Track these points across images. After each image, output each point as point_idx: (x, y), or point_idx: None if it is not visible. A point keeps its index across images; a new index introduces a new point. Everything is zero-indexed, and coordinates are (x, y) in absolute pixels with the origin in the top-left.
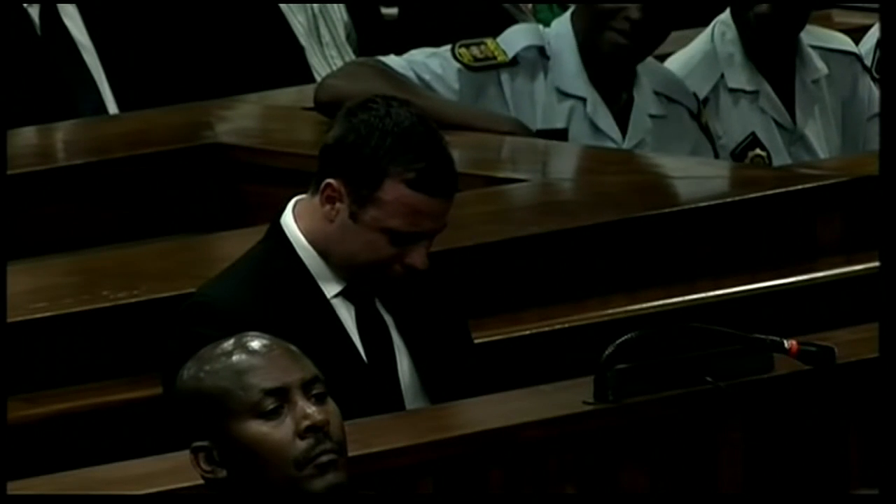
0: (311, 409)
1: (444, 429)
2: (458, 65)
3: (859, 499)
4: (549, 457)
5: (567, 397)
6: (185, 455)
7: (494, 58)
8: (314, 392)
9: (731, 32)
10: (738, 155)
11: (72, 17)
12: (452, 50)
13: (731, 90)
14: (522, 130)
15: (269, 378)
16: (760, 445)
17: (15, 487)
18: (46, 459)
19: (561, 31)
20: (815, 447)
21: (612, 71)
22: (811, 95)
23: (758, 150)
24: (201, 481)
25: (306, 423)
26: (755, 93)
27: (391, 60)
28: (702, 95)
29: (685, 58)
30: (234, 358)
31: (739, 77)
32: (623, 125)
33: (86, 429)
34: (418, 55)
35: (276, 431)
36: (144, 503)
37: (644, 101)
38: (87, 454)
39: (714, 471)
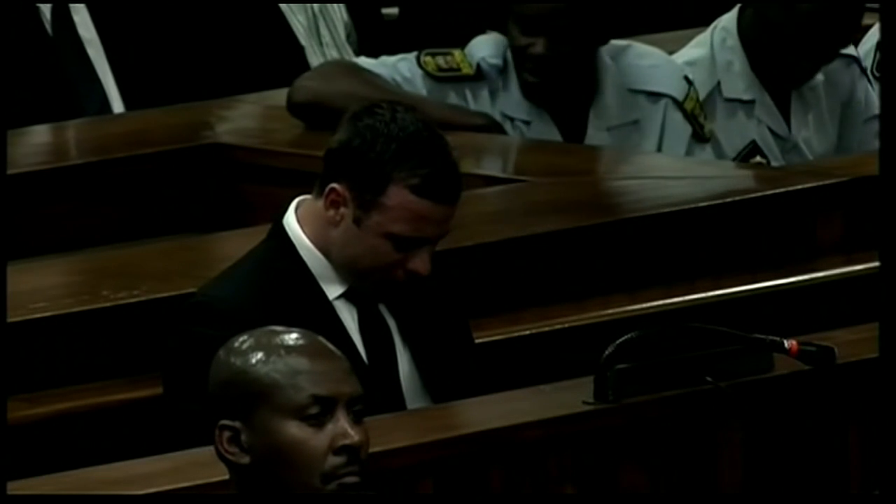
0: (351, 429)
1: (444, 429)
2: (421, 71)
3: (859, 499)
4: (549, 457)
5: (567, 397)
6: (185, 455)
7: (459, 69)
8: (355, 409)
9: (732, 40)
10: (737, 162)
11: (80, 15)
12: (417, 57)
13: (727, 99)
14: (494, 124)
15: (322, 385)
16: (760, 445)
17: (15, 487)
18: (46, 459)
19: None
20: (815, 447)
21: (557, 89)
22: (806, 102)
23: (758, 158)
24: (201, 481)
25: (344, 441)
26: (751, 102)
27: (363, 62)
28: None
29: (680, 63)
30: (294, 354)
31: (736, 86)
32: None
33: (86, 429)
34: (388, 59)
35: (313, 440)
36: (144, 503)
37: (602, 120)
38: (87, 454)
39: (714, 471)
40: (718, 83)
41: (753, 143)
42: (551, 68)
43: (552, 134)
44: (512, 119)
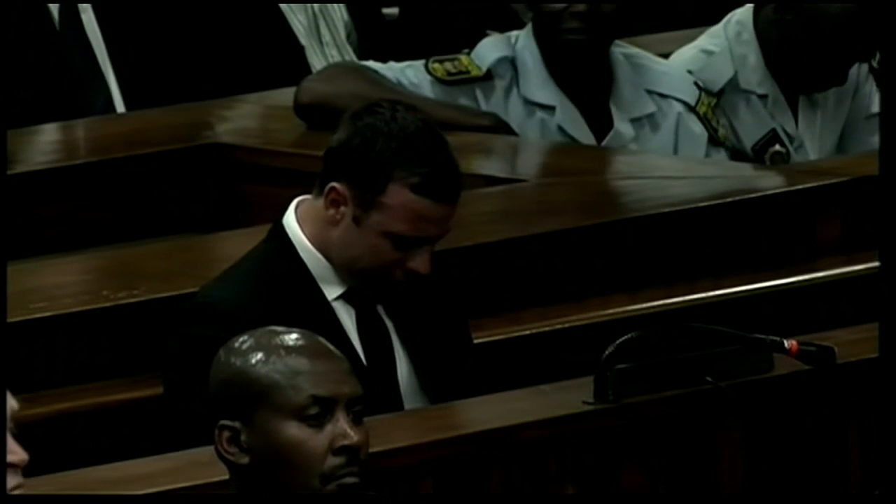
0: (351, 430)
1: (444, 429)
2: (430, 78)
3: (859, 499)
4: (549, 457)
5: (567, 397)
6: (185, 455)
7: (468, 72)
8: (354, 410)
9: (748, 34)
10: (758, 150)
11: (88, 14)
12: (426, 64)
13: (742, 90)
14: (501, 125)
15: (322, 386)
16: (760, 445)
17: None
18: (46, 459)
19: (526, 42)
20: (815, 447)
21: (582, 74)
22: (814, 102)
23: (777, 147)
24: (201, 481)
25: (344, 442)
26: (765, 97)
27: (370, 64)
28: (716, 89)
29: (694, 52)
30: (294, 355)
31: (750, 79)
32: (601, 132)
33: (86, 429)
34: (395, 64)
35: (313, 440)
36: (144, 503)
37: (624, 110)
38: (87, 454)
39: (714, 471)
40: (736, 73)
41: (773, 131)
42: (597, 24)
43: (578, 122)
44: (535, 106)
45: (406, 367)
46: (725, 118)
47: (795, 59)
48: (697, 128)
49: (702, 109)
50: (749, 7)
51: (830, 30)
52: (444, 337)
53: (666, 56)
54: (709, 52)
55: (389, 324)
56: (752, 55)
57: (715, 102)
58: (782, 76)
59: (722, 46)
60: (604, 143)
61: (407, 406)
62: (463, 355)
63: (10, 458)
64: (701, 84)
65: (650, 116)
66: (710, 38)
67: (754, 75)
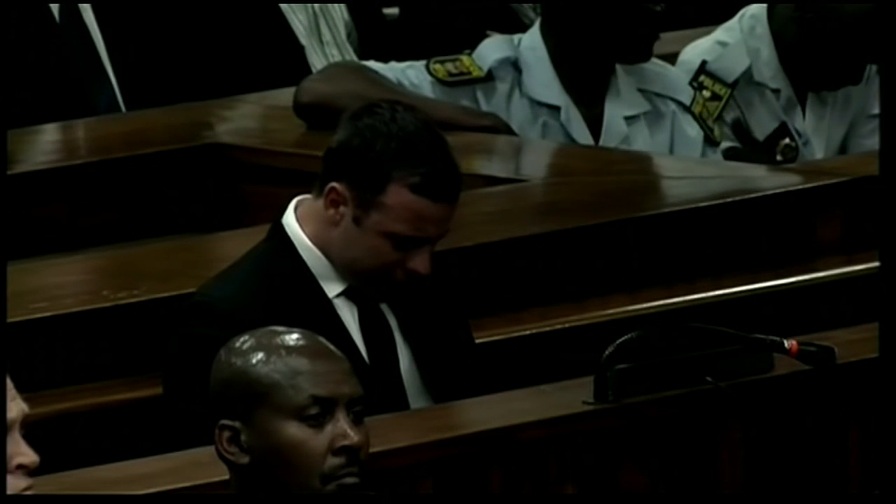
0: (351, 430)
1: (444, 429)
2: (431, 78)
3: (859, 499)
4: (549, 457)
5: (567, 397)
6: (185, 455)
7: (469, 73)
8: (354, 410)
9: (762, 28)
10: (768, 143)
11: (87, 15)
12: (427, 65)
13: (756, 83)
14: (502, 125)
15: (322, 386)
16: (760, 445)
17: None
18: (46, 459)
19: (532, 43)
20: (815, 447)
21: (589, 76)
22: (823, 99)
23: (788, 141)
24: (201, 481)
25: (344, 442)
26: (777, 91)
27: (371, 64)
28: (731, 80)
29: (709, 43)
30: (294, 355)
31: (764, 72)
32: (597, 131)
33: (86, 429)
34: (396, 65)
35: (313, 440)
36: (144, 503)
37: (618, 108)
38: (87, 454)
39: (714, 471)
40: (750, 66)
41: (783, 124)
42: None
43: (579, 122)
44: (540, 105)
45: (408, 364)
46: (739, 109)
47: (814, 56)
48: (693, 127)
49: (697, 108)
50: (762, 5)
51: (852, 29)
52: (447, 333)
53: (669, 56)
54: (724, 44)
55: (392, 320)
56: (766, 50)
57: (729, 93)
58: (796, 73)
59: (736, 39)
60: (599, 142)
61: (410, 402)
62: (465, 353)
63: (22, 460)
64: (695, 85)
65: (645, 115)
66: (725, 31)
67: (767, 69)
